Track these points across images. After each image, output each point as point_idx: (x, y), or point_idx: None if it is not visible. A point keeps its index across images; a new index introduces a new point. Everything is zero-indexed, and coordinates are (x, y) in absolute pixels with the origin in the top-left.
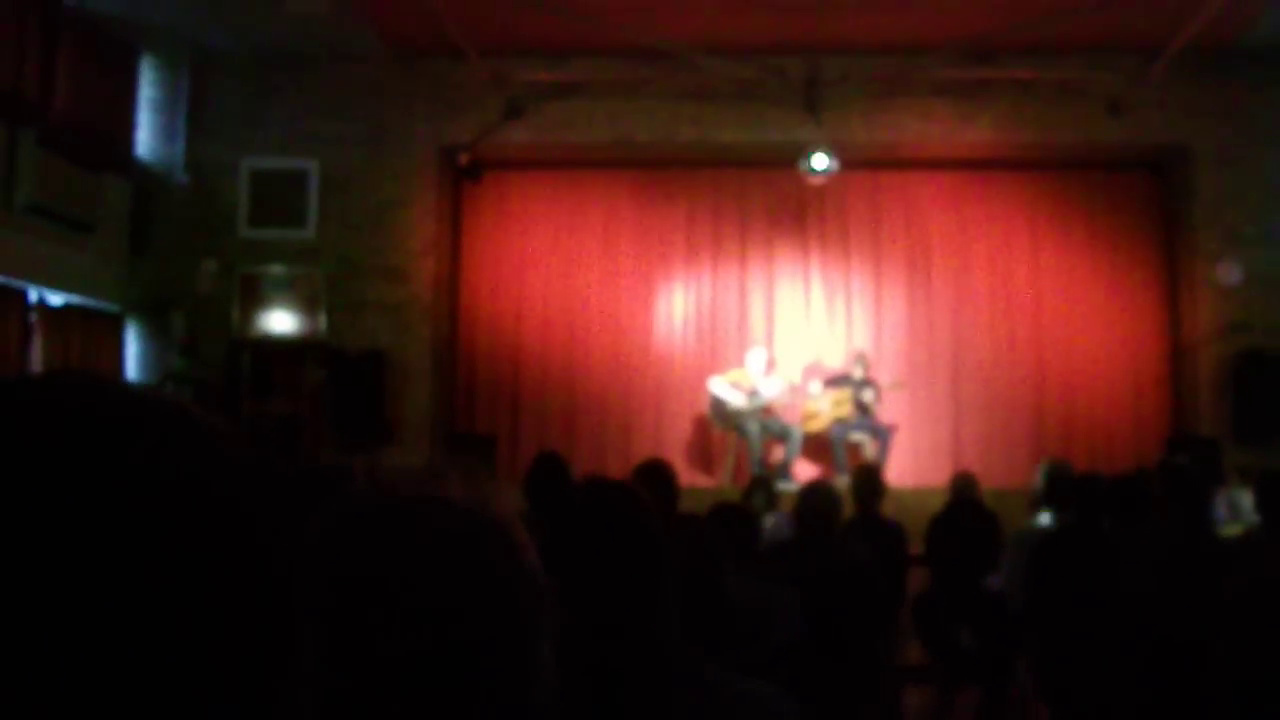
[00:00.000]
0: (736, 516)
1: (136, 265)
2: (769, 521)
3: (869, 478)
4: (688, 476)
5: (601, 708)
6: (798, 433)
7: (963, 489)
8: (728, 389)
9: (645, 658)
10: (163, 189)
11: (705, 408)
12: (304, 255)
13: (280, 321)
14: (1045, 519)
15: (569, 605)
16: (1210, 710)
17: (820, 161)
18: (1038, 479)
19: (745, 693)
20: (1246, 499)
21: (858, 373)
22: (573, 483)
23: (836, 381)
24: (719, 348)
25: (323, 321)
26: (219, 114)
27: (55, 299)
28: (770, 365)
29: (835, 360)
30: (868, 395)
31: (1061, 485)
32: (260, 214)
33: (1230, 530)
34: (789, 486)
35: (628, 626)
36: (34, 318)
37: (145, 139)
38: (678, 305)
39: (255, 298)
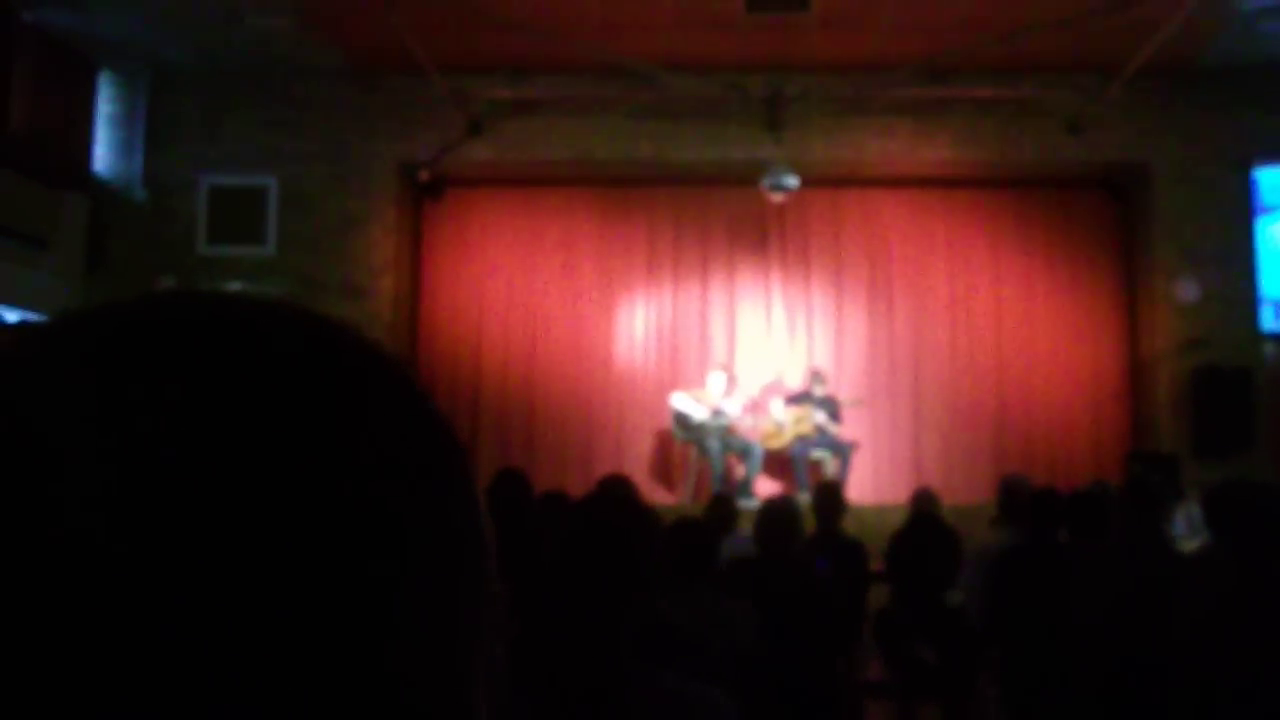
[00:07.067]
0: (697, 532)
1: (93, 282)
2: (730, 538)
3: (830, 495)
4: (649, 493)
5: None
6: (759, 450)
7: (923, 505)
8: (690, 403)
9: (605, 661)
10: (120, 205)
11: (667, 424)
12: (263, 273)
13: None
14: (1004, 535)
15: (524, 615)
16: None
17: (781, 180)
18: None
19: (691, 693)
20: None
21: (817, 390)
22: (534, 500)
23: (797, 399)
24: (680, 365)
25: None
26: (178, 130)
27: (10, 315)
28: (731, 384)
29: (796, 378)
30: (828, 412)
31: (1019, 501)
32: (219, 231)
33: (1189, 545)
34: (750, 504)
35: (601, 627)
36: None
37: (103, 155)
38: (639, 322)
39: None
